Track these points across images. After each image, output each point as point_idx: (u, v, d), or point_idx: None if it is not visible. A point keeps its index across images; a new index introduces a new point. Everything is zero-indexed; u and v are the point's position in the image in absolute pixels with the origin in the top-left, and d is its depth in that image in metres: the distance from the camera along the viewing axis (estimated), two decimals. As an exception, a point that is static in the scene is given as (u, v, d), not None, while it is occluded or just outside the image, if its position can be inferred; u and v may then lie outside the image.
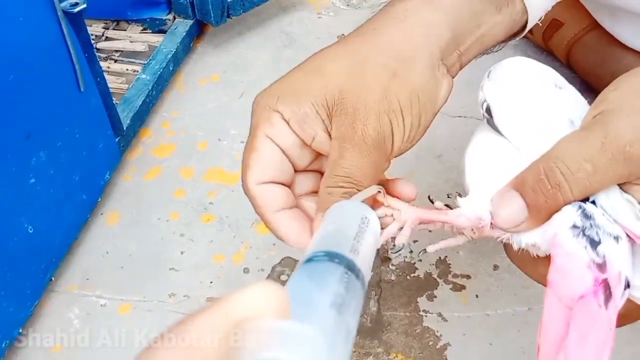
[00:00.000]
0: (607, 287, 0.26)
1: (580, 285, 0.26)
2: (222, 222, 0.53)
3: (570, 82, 0.65)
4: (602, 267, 0.26)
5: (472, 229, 0.29)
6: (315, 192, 0.33)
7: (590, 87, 0.61)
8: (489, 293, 0.47)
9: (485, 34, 0.32)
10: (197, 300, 0.48)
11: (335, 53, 0.32)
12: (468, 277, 0.48)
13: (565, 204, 0.27)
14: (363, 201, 0.28)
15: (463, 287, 0.48)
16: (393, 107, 0.30)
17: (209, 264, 0.50)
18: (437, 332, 0.45)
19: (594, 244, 0.26)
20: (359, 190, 0.30)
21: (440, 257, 0.49)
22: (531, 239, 0.28)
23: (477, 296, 0.47)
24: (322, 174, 0.34)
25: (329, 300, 0.18)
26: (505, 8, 0.33)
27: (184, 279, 0.49)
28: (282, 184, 0.32)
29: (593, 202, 0.27)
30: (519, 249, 0.29)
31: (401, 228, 0.30)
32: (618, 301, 0.26)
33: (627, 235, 0.27)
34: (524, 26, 0.34)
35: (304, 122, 0.30)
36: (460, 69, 0.33)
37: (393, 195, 0.31)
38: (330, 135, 0.31)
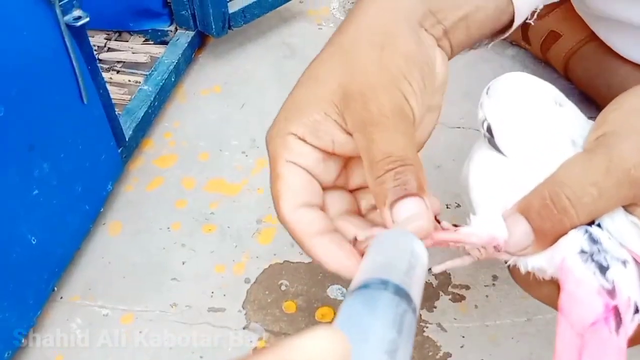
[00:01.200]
0: (617, 313, 0.26)
1: (591, 312, 0.26)
2: (223, 233, 0.53)
3: (568, 93, 0.65)
4: (611, 293, 0.26)
5: (479, 249, 0.29)
6: (352, 212, 0.33)
7: (588, 98, 0.62)
8: (488, 304, 0.48)
9: (469, 16, 0.32)
10: (199, 311, 0.48)
11: (323, 56, 0.32)
12: (467, 287, 0.49)
13: (571, 229, 0.27)
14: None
15: (463, 298, 0.48)
16: (395, 76, 0.29)
17: (210, 274, 0.51)
18: (437, 342, 0.46)
19: (603, 269, 0.26)
20: (407, 166, 0.28)
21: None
22: (537, 263, 0.28)
23: (476, 306, 0.48)
24: (350, 191, 0.33)
25: (386, 345, 0.18)
26: None
27: (185, 289, 0.50)
28: (316, 207, 0.31)
29: (598, 225, 0.27)
30: (525, 272, 0.29)
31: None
32: (628, 327, 0.26)
33: (634, 259, 0.27)
34: (512, 21, 0.34)
35: (318, 130, 0.30)
36: (453, 51, 0.33)
37: None
38: (348, 134, 0.30)
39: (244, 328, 0.47)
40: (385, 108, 0.29)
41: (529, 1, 0.34)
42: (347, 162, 0.33)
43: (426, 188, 0.29)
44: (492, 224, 0.28)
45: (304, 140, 0.30)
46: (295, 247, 0.52)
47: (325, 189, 0.32)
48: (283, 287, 0.49)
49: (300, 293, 0.49)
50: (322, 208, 0.32)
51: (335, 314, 0.48)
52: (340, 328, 0.19)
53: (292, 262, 0.51)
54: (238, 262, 0.51)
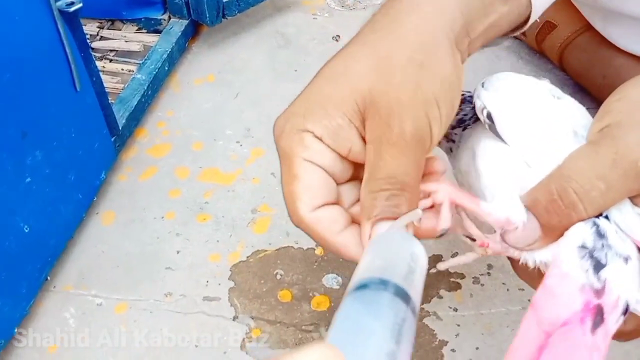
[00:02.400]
0: (598, 312, 0.25)
1: (566, 310, 0.25)
2: (217, 222, 0.53)
3: (563, 83, 0.65)
4: (599, 292, 0.25)
5: (485, 248, 0.29)
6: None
7: (582, 89, 0.62)
8: (483, 292, 0.48)
9: (492, 25, 0.31)
10: (193, 300, 0.48)
11: (356, 54, 0.30)
12: (463, 276, 0.49)
13: (579, 222, 0.27)
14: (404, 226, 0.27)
15: (458, 287, 0.48)
16: (428, 99, 0.28)
17: (205, 264, 0.50)
18: (433, 330, 0.46)
19: (599, 266, 0.26)
20: (404, 192, 0.28)
21: (434, 255, 0.50)
22: (544, 257, 0.28)
23: (471, 295, 0.48)
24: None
25: (384, 356, 0.18)
26: (512, 0, 0.32)
27: (180, 279, 0.49)
28: (334, 204, 0.30)
29: (606, 217, 0.27)
30: (534, 266, 0.28)
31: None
32: (611, 326, 0.25)
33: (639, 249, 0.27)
34: (526, 20, 0.34)
35: (338, 135, 0.29)
36: (467, 57, 0.32)
37: (425, 174, 0.30)
38: (365, 142, 0.29)
39: (238, 317, 0.47)
40: (406, 131, 0.28)
41: (545, 1, 0.34)
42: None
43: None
44: (510, 206, 0.28)
45: (321, 140, 0.29)
46: (290, 237, 0.52)
47: (339, 184, 0.31)
48: (278, 276, 0.49)
49: (295, 282, 0.49)
50: (338, 202, 0.31)
51: (330, 303, 0.47)
52: (338, 330, 0.18)
53: (287, 252, 0.51)
54: (233, 251, 0.51)
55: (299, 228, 0.30)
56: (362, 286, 0.21)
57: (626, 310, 0.26)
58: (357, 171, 0.32)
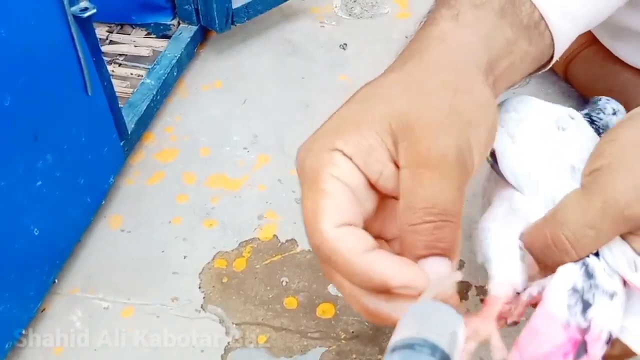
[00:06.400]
0: (582, 345, 0.26)
1: (548, 345, 0.26)
2: (224, 227, 0.53)
3: (568, 95, 0.65)
4: (585, 331, 0.27)
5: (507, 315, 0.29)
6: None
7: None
8: (488, 302, 0.48)
9: (515, 63, 0.31)
10: (200, 305, 0.48)
11: (387, 80, 0.29)
12: (469, 285, 0.49)
13: (571, 262, 0.28)
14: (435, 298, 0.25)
15: (464, 297, 0.48)
16: (468, 122, 0.27)
17: (211, 269, 0.51)
18: (437, 340, 0.46)
19: (586, 306, 0.27)
20: (448, 223, 0.26)
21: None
22: (535, 290, 0.29)
23: (476, 305, 0.48)
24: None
25: None
26: (536, 39, 0.32)
27: (186, 283, 0.50)
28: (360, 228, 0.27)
29: (596, 254, 0.28)
30: (528, 299, 0.29)
31: None
32: (594, 356, 0.27)
33: (625, 284, 0.28)
34: (549, 60, 0.34)
35: (369, 156, 0.27)
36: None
37: None
38: (397, 167, 0.27)
39: (244, 323, 0.47)
40: (447, 153, 0.26)
41: (567, 41, 0.34)
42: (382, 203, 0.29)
43: (458, 250, 0.27)
44: (507, 277, 0.29)
45: (351, 160, 0.27)
46: (296, 243, 0.52)
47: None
48: (284, 283, 0.50)
49: (301, 289, 0.49)
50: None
51: (336, 310, 0.48)
52: None
53: (294, 258, 0.51)
54: (239, 257, 0.51)
55: (318, 253, 0.27)
56: (408, 346, 0.21)
57: (609, 339, 0.27)
58: (381, 208, 0.29)
